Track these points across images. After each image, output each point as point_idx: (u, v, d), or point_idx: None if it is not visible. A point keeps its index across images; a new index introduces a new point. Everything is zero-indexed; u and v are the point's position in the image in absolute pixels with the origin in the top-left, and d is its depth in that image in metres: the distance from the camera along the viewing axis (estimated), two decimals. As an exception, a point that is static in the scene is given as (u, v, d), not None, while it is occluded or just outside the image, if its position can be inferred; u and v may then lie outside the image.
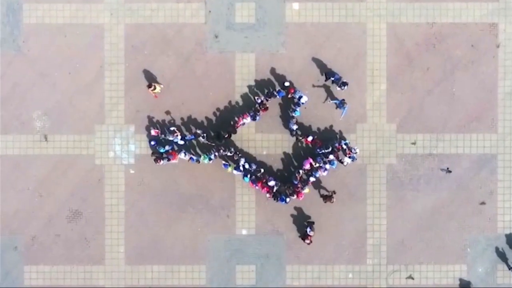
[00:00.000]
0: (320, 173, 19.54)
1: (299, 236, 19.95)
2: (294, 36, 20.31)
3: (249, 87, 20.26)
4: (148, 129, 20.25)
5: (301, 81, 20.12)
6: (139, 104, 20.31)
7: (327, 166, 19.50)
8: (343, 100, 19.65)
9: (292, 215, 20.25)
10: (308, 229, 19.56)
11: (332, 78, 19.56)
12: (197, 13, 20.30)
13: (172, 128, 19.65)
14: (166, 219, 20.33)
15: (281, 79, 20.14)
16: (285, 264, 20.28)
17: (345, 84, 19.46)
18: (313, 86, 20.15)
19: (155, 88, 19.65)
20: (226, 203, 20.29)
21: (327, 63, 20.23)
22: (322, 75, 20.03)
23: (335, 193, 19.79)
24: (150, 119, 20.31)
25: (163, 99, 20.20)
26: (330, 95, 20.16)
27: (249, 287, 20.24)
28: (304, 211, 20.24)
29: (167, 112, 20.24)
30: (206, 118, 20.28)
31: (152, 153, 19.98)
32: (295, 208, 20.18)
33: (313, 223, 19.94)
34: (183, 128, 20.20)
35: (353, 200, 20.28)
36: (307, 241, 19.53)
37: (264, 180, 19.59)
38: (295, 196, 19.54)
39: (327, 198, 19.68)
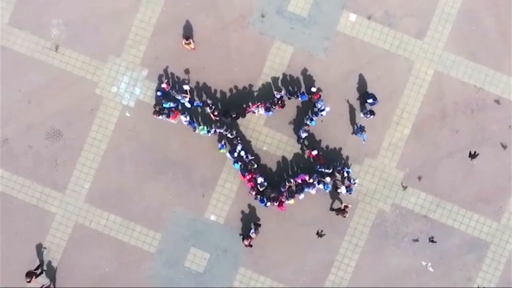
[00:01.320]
0: (310, 190, 18.53)
1: (240, 234, 19.04)
2: (339, 46, 19.34)
3: (275, 78, 19.28)
4: (160, 79, 19.33)
5: (329, 92, 19.13)
6: (160, 51, 19.38)
7: (320, 185, 18.53)
8: (362, 126, 18.64)
9: (265, 220, 19.26)
10: (252, 231, 18.66)
11: (368, 101, 18.61)
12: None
13: (185, 88, 18.74)
14: (142, 174, 19.41)
15: (310, 82, 19.18)
16: (240, 266, 19.32)
17: (372, 113, 18.46)
18: (347, 101, 19.29)
19: (190, 43, 18.73)
20: (207, 183, 19.36)
21: (361, 85, 19.27)
22: (358, 93, 19.17)
23: (347, 207, 18.78)
24: (166, 70, 19.37)
25: (186, 57, 19.23)
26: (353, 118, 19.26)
27: (195, 272, 19.27)
28: (278, 223, 19.27)
29: (186, 71, 19.27)
30: (221, 91, 19.33)
31: (155, 104, 19.07)
32: (272, 214, 19.17)
33: (259, 225, 18.98)
34: (195, 92, 19.18)
35: (332, 231, 19.33)
36: (246, 243, 18.57)
37: (253, 175, 18.60)
38: (276, 204, 18.53)
39: (340, 211, 18.71)
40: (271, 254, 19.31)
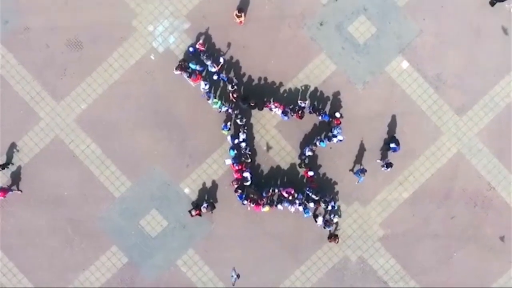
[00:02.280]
0: (289, 207, 18.02)
1: (192, 203, 18.72)
2: (379, 85, 18.78)
3: (306, 87, 18.75)
4: (198, 38, 18.75)
5: (350, 124, 18.51)
6: (211, 12, 18.81)
7: (300, 208, 17.98)
8: (364, 169, 18.07)
9: (235, 217, 18.75)
10: (205, 205, 18.18)
11: (391, 145, 18.10)
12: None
13: (220, 59, 18.22)
14: (139, 118, 18.85)
15: (336, 107, 18.66)
16: (190, 247, 18.82)
17: (390, 165, 18.01)
18: (361, 139, 18.74)
19: (241, 17, 18.19)
20: (196, 155, 18.83)
21: (384, 131, 18.73)
22: (377, 136, 18.68)
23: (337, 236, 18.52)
24: (207, 32, 18.80)
25: (232, 29, 18.66)
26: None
27: (146, 234, 18.85)
28: (246, 224, 18.76)
29: (226, 44, 18.68)
30: (250, 76, 18.77)
31: (182, 59, 18.54)
32: (244, 213, 18.66)
33: (214, 206, 18.39)
34: (225, 65, 18.61)
35: (292, 255, 18.81)
36: (193, 213, 18.19)
37: (243, 168, 18.08)
38: (253, 205, 18.02)
39: (332, 237, 18.35)
40: (225, 250, 18.80)
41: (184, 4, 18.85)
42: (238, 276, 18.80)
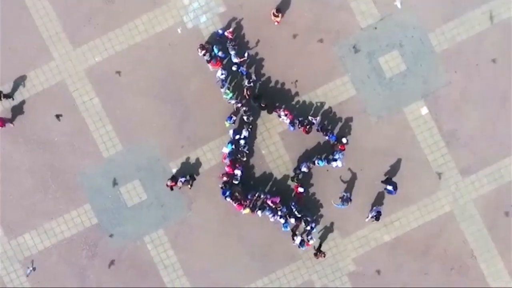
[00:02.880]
0: (270, 215, 17.83)
1: (172, 173, 18.43)
2: (393, 124, 18.45)
3: (321, 104, 18.44)
4: (229, 25, 18.44)
5: (353, 152, 18.19)
6: (248, 3, 18.41)
7: (280, 219, 17.84)
8: (350, 198, 17.84)
9: (214, 209, 18.49)
10: (183, 179, 17.94)
11: (388, 187, 17.84)
12: (369, 15, 18.38)
13: (245, 53, 17.96)
14: (147, 88, 18.50)
15: (345, 132, 18.37)
16: (162, 227, 18.64)
17: (378, 217, 17.77)
18: (360, 169, 18.44)
19: (278, 17, 17.87)
20: (194, 139, 18.53)
21: (383, 170, 18.45)
22: (375, 173, 18.39)
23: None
24: (240, 22, 18.46)
25: (266, 26, 18.32)
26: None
27: (123, 201, 18.54)
28: (223, 221, 18.53)
29: (255, 39, 18.36)
30: (269, 77, 18.44)
31: (207, 41, 18.26)
32: (225, 210, 18.38)
33: (194, 179, 18.26)
34: (248, 60, 18.27)
35: (258, 263, 18.58)
36: (168, 183, 17.96)
37: (236, 165, 17.81)
38: (235, 205, 17.82)
39: (319, 253, 17.99)
40: (195, 240, 18.51)
41: (224, -11, 18.58)
42: (34, 269, 18.45)
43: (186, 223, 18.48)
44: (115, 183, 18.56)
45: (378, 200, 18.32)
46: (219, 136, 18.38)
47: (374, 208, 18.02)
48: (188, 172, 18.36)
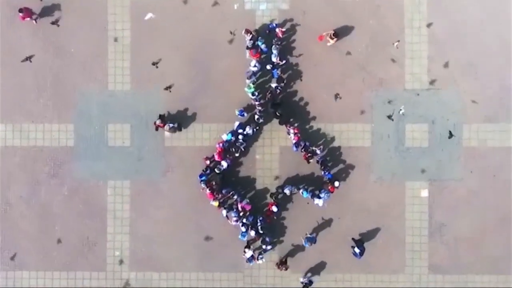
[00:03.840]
0: (234, 219, 17.41)
1: (160, 115, 17.96)
2: (389, 191, 17.96)
3: (330, 139, 18.01)
4: (283, 24, 17.98)
5: (340, 202, 17.86)
6: (311, 13, 17.99)
7: (242, 228, 17.41)
8: (315, 240, 17.48)
9: (185, 186, 18.03)
10: (171, 125, 17.65)
11: (355, 249, 17.32)
12: (418, 79, 17.92)
13: (285, 58, 17.63)
14: (180, 44, 18.16)
15: (341, 177, 17.86)
16: (129, 179, 18.22)
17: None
18: (338, 217, 18.01)
19: (333, 39, 17.39)
20: (199, 113, 18.10)
21: (360, 232, 17.92)
22: (350, 232, 17.93)
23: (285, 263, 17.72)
24: (295, 26, 18.03)
25: (316, 43, 17.80)
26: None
27: (104, 137, 18.08)
28: (192, 202, 18.08)
29: (302, 49, 17.91)
30: (296, 91, 18.01)
31: (255, 29, 17.89)
32: (195, 192, 17.90)
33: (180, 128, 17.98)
34: (285, 66, 17.83)
35: (200, 256, 18.13)
36: (158, 122, 17.72)
37: (226, 156, 17.55)
38: (207, 192, 17.43)
39: (282, 265, 17.57)
40: (153, 208, 18.16)
41: (298, -11, 18.07)
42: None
43: (154, 187, 18.06)
44: (106, 117, 18.11)
45: (339, 255, 17.89)
46: (225, 121, 17.92)
47: (308, 275, 17.75)
48: (180, 145, 18.05)
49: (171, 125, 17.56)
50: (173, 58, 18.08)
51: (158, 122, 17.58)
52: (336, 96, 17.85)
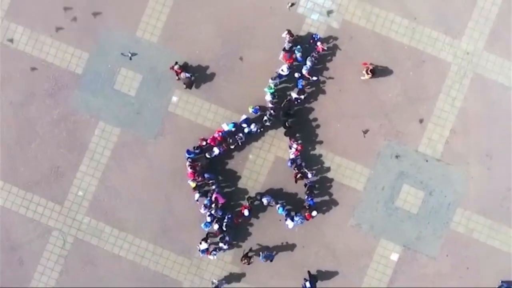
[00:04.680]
0: (203, 206, 17.04)
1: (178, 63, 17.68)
2: (361, 241, 17.54)
3: (325, 169, 17.60)
4: (326, 41, 17.55)
5: (311, 232, 17.55)
6: (357, 38, 17.61)
7: (208, 218, 17.08)
8: (272, 259, 17.13)
9: (171, 153, 17.66)
10: (188, 75, 17.29)
11: (306, 284, 16.95)
12: (432, 147, 17.52)
13: (316, 76, 17.26)
14: (218, 18, 17.78)
15: (322, 208, 17.47)
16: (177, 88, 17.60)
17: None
18: (302, 246, 17.60)
19: (369, 74, 16.99)
20: (211, 91, 17.73)
21: (321, 267, 17.43)
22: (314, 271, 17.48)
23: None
24: (338, 46, 17.60)
25: (352, 72, 17.44)
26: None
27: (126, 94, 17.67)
28: (169, 172, 17.67)
29: (333, 74, 17.49)
30: (314, 110, 17.64)
31: (299, 36, 17.48)
32: (178, 165, 17.56)
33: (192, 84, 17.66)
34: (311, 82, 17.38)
35: (159, 232, 17.78)
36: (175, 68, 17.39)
37: (223, 145, 17.19)
38: (189, 170, 17.10)
39: (245, 258, 17.10)
40: (132, 164, 17.81)
41: (351, 12, 17.64)
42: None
43: (142, 145, 17.71)
44: (122, 60, 17.71)
45: (288, 281, 17.49)
46: (233, 110, 17.59)
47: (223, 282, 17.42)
48: (184, 115, 17.71)
49: (187, 74, 17.15)
50: (209, 31, 17.69)
51: (176, 67, 17.17)
52: (365, 132, 17.48)
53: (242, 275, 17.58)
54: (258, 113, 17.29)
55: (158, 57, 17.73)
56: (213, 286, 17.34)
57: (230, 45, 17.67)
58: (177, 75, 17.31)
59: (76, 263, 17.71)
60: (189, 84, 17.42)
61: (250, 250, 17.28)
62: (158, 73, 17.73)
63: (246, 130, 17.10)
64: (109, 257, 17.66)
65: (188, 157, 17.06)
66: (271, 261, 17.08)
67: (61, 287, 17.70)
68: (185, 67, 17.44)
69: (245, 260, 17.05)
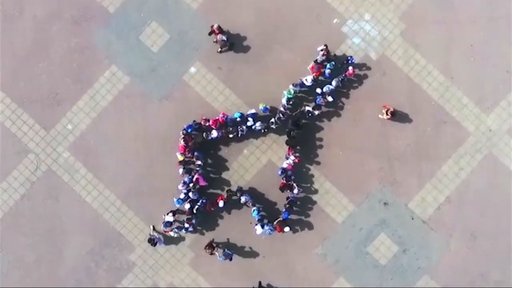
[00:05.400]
0: (182, 182, 16.72)
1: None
2: (320, 273, 17.20)
3: (313, 190, 17.30)
4: (358, 68, 17.22)
5: (275, 244, 17.14)
6: (390, 81, 17.20)
7: (182, 195, 16.77)
8: (231, 258, 16.80)
9: (171, 121, 17.22)
10: (225, 38, 17.06)
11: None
12: (423, 208, 17.21)
13: (334, 97, 16.86)
14: (258, 10, 17.26)
15: (295, 227, 17.16)
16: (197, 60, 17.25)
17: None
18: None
19: (387, 115, 16.66)
20: (237, 80, 17.31)
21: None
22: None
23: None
24: (365, 76, 17.25)
25: (372, 109, 17.09)
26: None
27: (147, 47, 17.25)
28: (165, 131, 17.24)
29: (353, 102, 17.16)
30: (321, 129, 17.28)
31: (335, 55, 17.16)
32: (172, 130, 17.14)
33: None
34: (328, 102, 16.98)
35: (134, 179, 17.34)
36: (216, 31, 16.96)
37: (223, 129, 16.91)
38: (181, 143, 16.72)
39: (209, 246, 16.75)
40: (129, 114, 17.39)
41: (394, 49, 17.33)
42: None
43: (144, 102, 17.36)
44: (156, 15, 17.40)
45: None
46: (245, 102, 17.23)
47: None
48: (203, 82, 17.38)
49: (224, 38, 16.78)
50: (248, 17, 17.39)
51: (216, 26, 16.75)
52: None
53: (194, 261, 17.27)
54: (267, 113, 16.95)
55: (192, 24, 17.37)
56: (151, 237, 16.92)
57: (264, 38, 17.31)
58: (215, 34, 16.86)
59: (40, 192, 17.34)
60: (223, 47, 17.08)
61: (213, 241, 16.93)
62: (186, 39, 17.37)
63: (249, 124, 16.72)
64: (75, 198, 17.30)
65: (185, 130, 16.70)
66: (230, 260, 16.74)
67: (18, 211, 17.43)
68: (223, 31, 17.01)
69: (209, 250, 16.69)
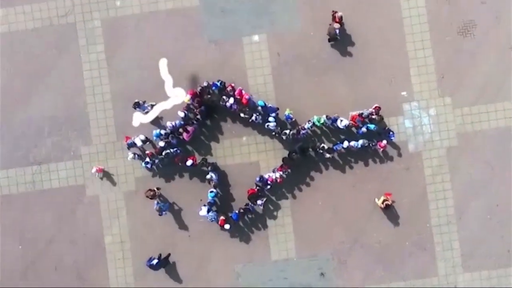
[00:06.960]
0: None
1: None
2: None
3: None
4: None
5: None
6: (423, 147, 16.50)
7: (161, 143, 16.34)
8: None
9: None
10: None
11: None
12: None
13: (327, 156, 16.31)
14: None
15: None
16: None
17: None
18: None
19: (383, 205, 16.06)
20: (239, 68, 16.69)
21: None
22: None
23: None
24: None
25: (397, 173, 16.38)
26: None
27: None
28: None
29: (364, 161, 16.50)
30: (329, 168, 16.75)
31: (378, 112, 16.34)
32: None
33: None
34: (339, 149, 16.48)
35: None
36: None
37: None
38: (181, 112, 16.25)
39: (152, 190, 16.23)
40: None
41: (431, 157, 16.64)
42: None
43: (198, 28, 16.87)
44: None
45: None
46: (276, 99, 16.64)
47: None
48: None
49: (337, 31, 16.14)
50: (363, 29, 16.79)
51: (339, 15, 15.99)
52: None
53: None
54: (287, 120, 16.39)
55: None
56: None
57: (341, 59, 16.74)
58: (333, 21, 16.08)
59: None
60: (332, 38, 16.39)
61: (159, 189, 16.41)
62: (273, 7, 16.82)
63: (270, 118, 15.96)
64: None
65: (208, 83, 16.12)
66: (160, 215, 16.27)
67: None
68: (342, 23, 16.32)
69: (151, 193, 16.10)
